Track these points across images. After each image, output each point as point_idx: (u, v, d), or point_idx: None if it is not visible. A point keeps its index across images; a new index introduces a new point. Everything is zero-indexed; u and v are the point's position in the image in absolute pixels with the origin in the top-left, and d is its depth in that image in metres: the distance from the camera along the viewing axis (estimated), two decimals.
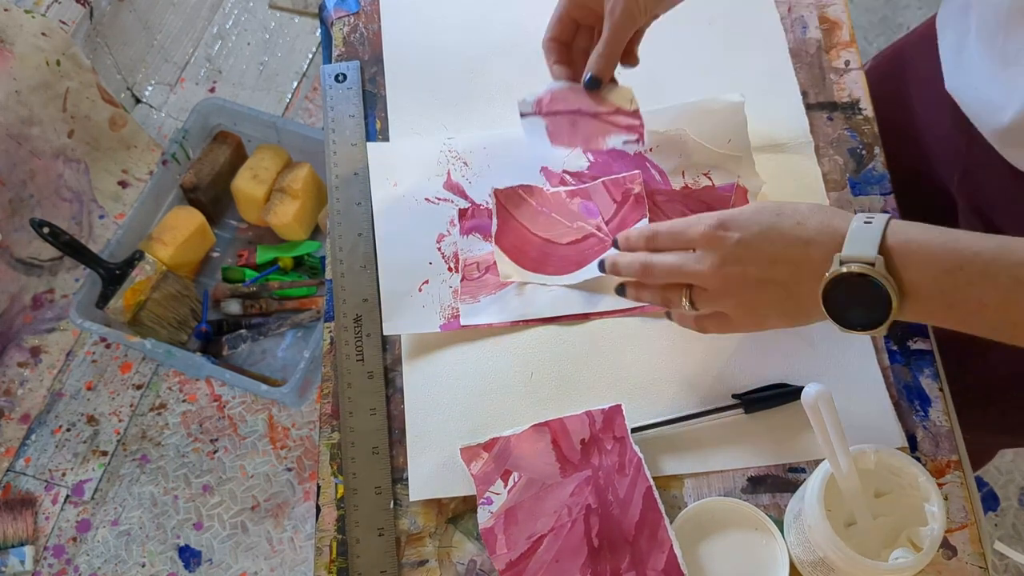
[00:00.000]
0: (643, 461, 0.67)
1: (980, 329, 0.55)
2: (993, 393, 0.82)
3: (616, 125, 0.75)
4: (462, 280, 0.76)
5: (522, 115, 0.77)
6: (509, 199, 0.78)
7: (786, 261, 0.58)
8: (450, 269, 0.76)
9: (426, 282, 0.76)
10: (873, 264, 0.54)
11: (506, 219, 0.78)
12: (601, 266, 0.70)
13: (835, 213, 0.59)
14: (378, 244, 0.77)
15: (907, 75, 0.84)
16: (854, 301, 0.56)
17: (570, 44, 0.74)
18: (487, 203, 0.79)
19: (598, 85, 0.71)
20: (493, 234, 0.77)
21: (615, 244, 0.69)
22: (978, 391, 0.78)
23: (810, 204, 0.60)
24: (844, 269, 0.55)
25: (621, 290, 0.69)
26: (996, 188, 0.73)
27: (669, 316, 0.69)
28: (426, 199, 0.79)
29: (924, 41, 0.80)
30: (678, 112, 0.81)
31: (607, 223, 0.77)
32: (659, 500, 0.66)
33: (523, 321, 0.74)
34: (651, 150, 0.79)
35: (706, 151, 0.78)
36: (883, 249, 0.55)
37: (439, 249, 0.77)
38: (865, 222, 0.56)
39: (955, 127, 0.75)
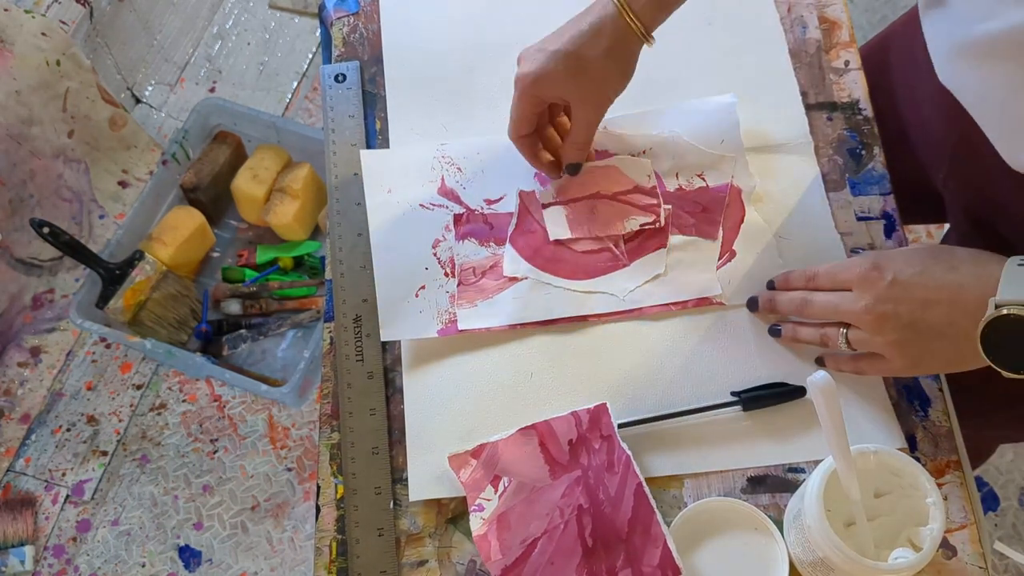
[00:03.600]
0: (632, 458, 0.67)
1: None
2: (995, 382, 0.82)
3: (635, 205, 0.77)
4: (459, 285, 0.76)
5: (544, 206, 0.78)
6: (532, 202, 0.79)
7: (938, 303, 0.59)
8: (446, 274, 0.76)
9: (423, 287, 0.76)
10: None
11: (526, 219, 0.78)
12: (752, 304, 0.73)
13: (989, 258, 0.60)
14: (373, 251, 0.77)
15: (893, 67, 0.84)
16: (1014, 343, 0.56)
17: (537, 133, 0.77)
18: (481, 208, 0.79)
19: (578, 169, 0.77)
20: (509, 233, 0.77)
21: (770, 285, 0.73)
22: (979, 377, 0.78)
23: (967, 249, 0.61)
24: (1002, 312, 0.55)
25: (776, 331, 0.71)
26: (984, 179, 0.73)
27: (822, 363, 0.71)
28: (420, 205, 0.79)
29: (909, 28, 0.80)
30: (671, 114, 0.81)
31: (625, 242, 0.77)
32: (650, 496, 0.66)
33: (520, 325, 0.74)
34: (645, 152, 0.79)
35: (699, 152, 0.79)
36: None
37: (435, 254, 0.77)
38: (1019, 264, 0.57)
39: (943, 119, 0.75)
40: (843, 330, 0.65)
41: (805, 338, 0.69)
